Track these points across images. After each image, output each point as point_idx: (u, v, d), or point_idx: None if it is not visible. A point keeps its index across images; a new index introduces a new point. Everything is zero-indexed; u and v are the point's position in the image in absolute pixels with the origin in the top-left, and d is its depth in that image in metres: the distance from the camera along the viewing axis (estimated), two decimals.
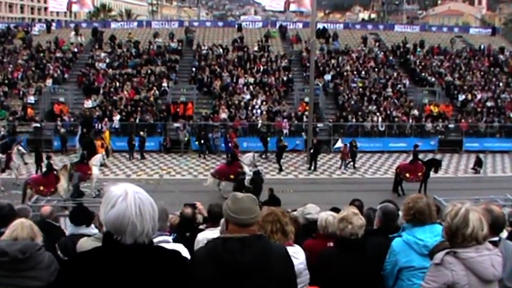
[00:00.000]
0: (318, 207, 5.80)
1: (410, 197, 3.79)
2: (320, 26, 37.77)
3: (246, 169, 18.71)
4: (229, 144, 23.96)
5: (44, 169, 18.40)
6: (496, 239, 3.42)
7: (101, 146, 22.89)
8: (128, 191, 2.07)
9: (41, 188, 16.46)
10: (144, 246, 2.07)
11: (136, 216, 2.02)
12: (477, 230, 2.72)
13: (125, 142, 24.47)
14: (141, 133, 24.51)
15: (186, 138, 24.85)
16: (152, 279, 2.05)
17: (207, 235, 4.40)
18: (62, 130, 25.06)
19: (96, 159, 18.43)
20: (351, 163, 23.31)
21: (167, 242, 3.32)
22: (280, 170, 22.53)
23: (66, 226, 8.27)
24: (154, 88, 29.12)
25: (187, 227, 5.53)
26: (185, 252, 3.29)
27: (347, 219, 3.59)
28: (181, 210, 5.63)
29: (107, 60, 32.17)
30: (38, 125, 25.60)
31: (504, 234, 4.25)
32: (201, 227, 5.65)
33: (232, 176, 18.34)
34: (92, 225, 5.05)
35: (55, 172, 17.07)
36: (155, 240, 3.23)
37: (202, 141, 24.80)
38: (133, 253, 2.04)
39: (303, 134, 25.95)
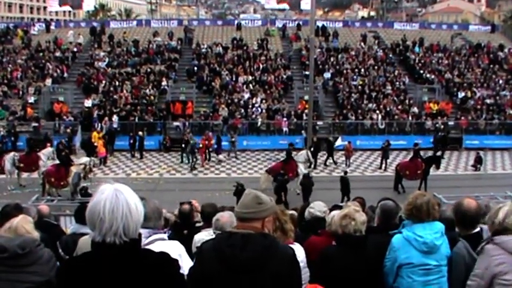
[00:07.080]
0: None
1: (414, 194, 3.75)
2: (319, 24, 37.72)
3: (302, 167, 18.43)
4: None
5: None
6: (477, 229, 3.71)
7: (103, 145, 22.87)
8: (109, 188, 2.05)
9: (52, 179, 17.01)
10: (130, 251, 2.04)
11: (106, 212, 1.99)
12: None
13: (125, 141, 24.45)
14: (140, 133, 24.44)
15: (192, 141, 24.81)
16: (139, 283, 2.02)
17: (203, 236, 4.41)
18: (68, 130, 24.91)
19: (81, 160, 18.33)
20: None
21: (163, 239, 3.30)
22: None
23: (67, 225, 8.29)
24: (154, 87, 29.09)
25: (185, 225, 5.53)
26: (181, 249, 3.28)
27: (350, 216, 3.58)
28: (179, 207, 5.60)
29: (106, 60, 32.14)
30: (38, 124, 25.53)
31: None
32: (198, 225, 5.64)
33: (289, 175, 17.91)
34: None
35: (70, 165, 17.36)
36: (150, 238, 3.22)
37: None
38: (119, 257, 2.02)
39: (303, 132, 25.92)
